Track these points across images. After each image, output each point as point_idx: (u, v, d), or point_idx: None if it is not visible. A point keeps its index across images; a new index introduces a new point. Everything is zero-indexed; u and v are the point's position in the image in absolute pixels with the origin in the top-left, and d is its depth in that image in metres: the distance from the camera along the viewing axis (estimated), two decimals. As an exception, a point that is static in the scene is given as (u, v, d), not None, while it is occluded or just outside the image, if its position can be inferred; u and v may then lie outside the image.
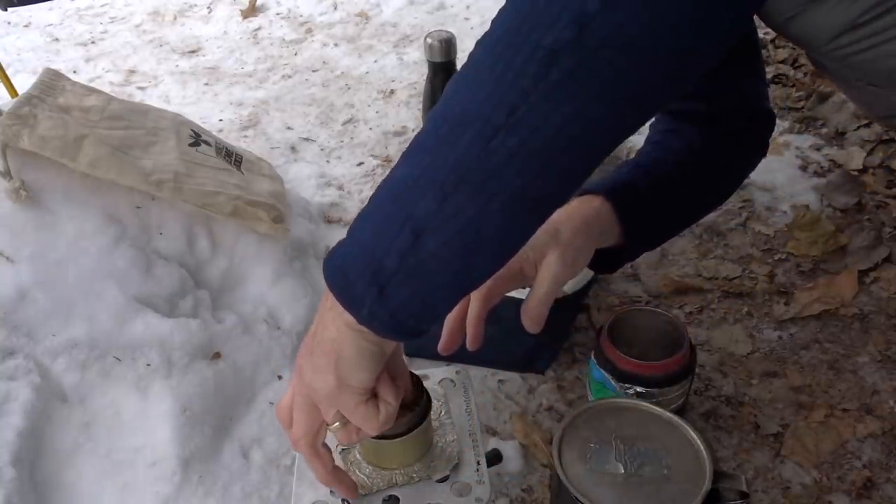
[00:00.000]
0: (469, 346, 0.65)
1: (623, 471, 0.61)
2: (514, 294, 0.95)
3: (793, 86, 1.48)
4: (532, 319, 0.64)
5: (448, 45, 1.10)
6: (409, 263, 0.45)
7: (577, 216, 0.69)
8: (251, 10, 2.12)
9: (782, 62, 1.53)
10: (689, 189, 0.80)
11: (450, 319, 0.66)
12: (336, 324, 0.50)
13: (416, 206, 0.44)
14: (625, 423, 0.65)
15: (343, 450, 0.77)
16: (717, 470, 0.60)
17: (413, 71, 1.73)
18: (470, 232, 0.44)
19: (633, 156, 0.85)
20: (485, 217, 0.43)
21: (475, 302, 0.66)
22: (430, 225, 0.44)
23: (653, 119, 0.84)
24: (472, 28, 1.89)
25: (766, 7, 0.64)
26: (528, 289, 0.98)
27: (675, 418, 0.65)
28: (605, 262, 0.76)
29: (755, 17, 0.70)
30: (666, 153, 0.78)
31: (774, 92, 1.47)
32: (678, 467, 0.61)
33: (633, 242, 0.74)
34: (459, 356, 0.98)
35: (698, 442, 0.63)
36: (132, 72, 1.90)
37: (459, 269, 0.46)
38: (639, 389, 0.78)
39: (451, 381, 0.84)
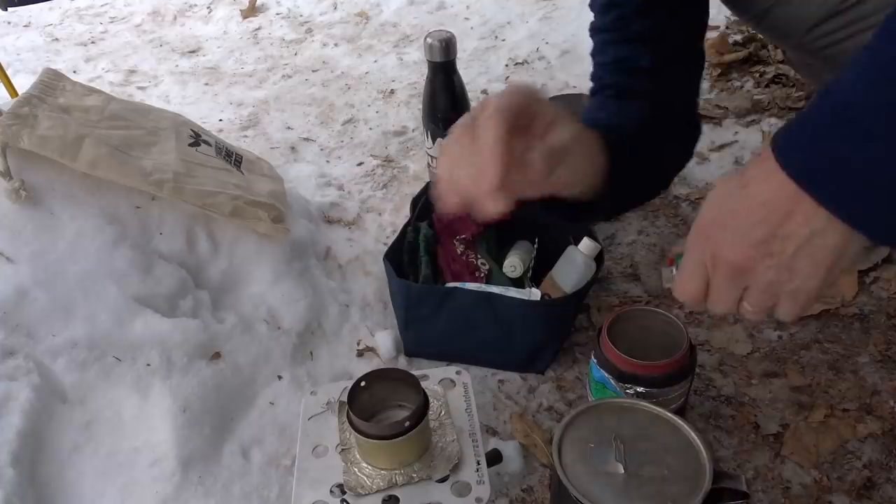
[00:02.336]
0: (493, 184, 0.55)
1: (623, 471, 0.61)
2: (516, 295, 0.95)
3: (793, 86, 1.48)
4: (543, 156, 0.59)
5: (448, 45, 1.10)
6: None
7: (575, 126, 0.66)
8: (251, 10, 2.12)
9: (782, 62, 1.53)
10: (647, 161, 0.76)
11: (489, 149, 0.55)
12: (835, 234, 0.48)
13: None
14: (625, 423, 0.65)
15: (343, 449, 0.77)
16: (717, 470, 0.60)
17: (413, 71, 1.73)
18: None
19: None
20: None
21: (487, 121, 0.56)
22: None
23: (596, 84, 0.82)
24: (472, 28, 1.89)
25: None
26: (532, 289, 0.98)
27: (676, 418, 0.65)
28: (575, 212, 0.72)
29: (734, 14, 0.71)
30: (623, 120, 0.76)
31: (774, 92, 1.47)
32: (678, 467, 0.61)
33: (610, 191, 0.70)
34: (459, 356, 0.98)
35: (698, 442, 0.63)
36: (132, 72, 1.90)
37: None
38: (639, 389, 0.78)
39: (451, 381, 0.84)
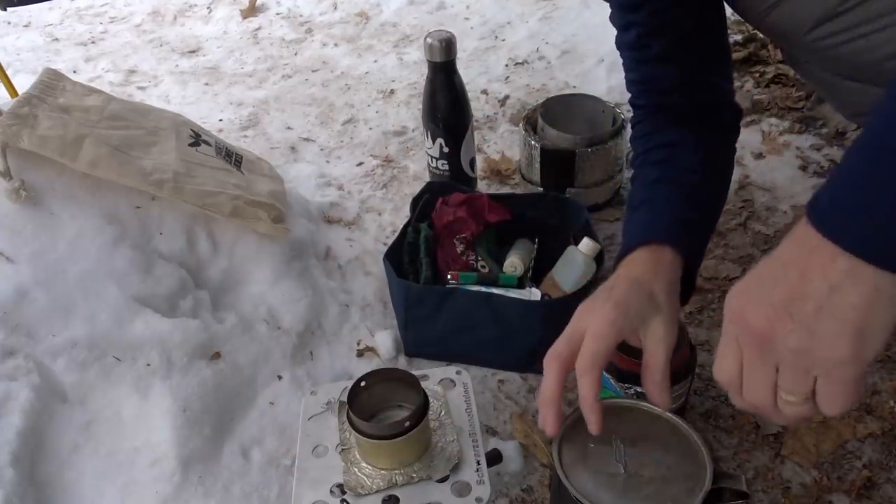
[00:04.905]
0: (595, 430, 0.61)
1: (623, 471, 0.61)
2: (516, 295, 0.95)
3: (793, 86, 1.48)
4: (661, 394, 0.62)
5: (448, 45, 1.10)
6: None
7: (663, 272, 0.68)
8: (251, 10, 2.12)
9: (782, 62, 1.53)
10: (716, 197, 0.82)
11: (547, 397, 0.62)
12: (857, 288, 0.43)
13: None
14: (625, 423, 0.65)
15: (343, 449, 0.77)
16: (717, 470, 0.60)
17: (413, 71, 1.73)
18: None
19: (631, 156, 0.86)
20: None
21: (585, 378, 0.61)
22: None
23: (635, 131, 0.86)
24: (472, 28, 1.89)
25: None
26: (532, 289, 0.98)
27: (675, 418, 0.65)
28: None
29: (736, 13, 0.71)
30: (683, 171, 0.79)
31: (774, 92, 1.47)
32: (678, 467, 0.61)
33: (691, 274, 0.75)
34: (459, 356, 0.98)
35: (698, 442, 0.63)
36: (132, 72, 1.90)
37: None
38: (639, 389, 0.78)
39: (451, 381, 0.84)
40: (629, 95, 0.87)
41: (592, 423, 0.60)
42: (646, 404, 0.67)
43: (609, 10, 0.83)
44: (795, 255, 0.46)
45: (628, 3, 0.78)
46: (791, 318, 0.46)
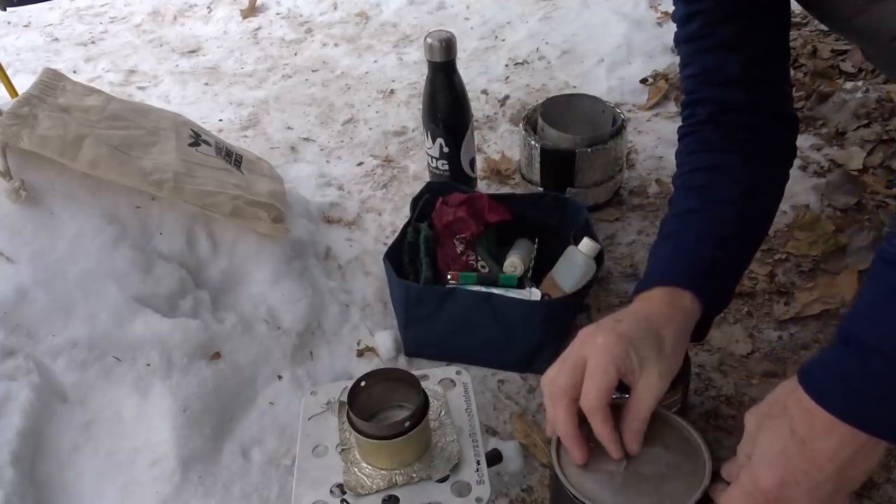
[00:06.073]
0: (618, 455, 0.62)
1: (622, 469, 0.61)
2: (516, 295, 0.95)
3: (793, 86, 1.48)
4: (633, 434, 0.62)
5: (448, 45, 1.10)
6: None
7: (678, 319, 0.67)
8: (251, 10, 2.12)
9: (782, 62, 1.53)
10: (754, 234, 0.79)
11: (568, 433, 0.62)
12: (860, 451, 0.52)
13: None
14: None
15: (343, 449, 0.77)
16: (715, 468, 0.61)
17: (413, 71, 1.73)
18: None
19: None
20: None
21: (596, 417, 0.61)
22: None
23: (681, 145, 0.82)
24: (472, 28, 1.89)
25: (836, 1, 0.64)
26: (532, 289, 0.98)
27: (674, 417, 0.65)
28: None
29: (815, 18, 0.70)
30: (723, 202, 0.75)
31: (774, 92, 1.47)
32: (678, 466, 0.61)
33: (710, 318, 0.75)
34: (459, 356, 0.98)
35: (697, 439, 0.63)
36: (132, 72, 1.90)
37: None
38: (626, 396, 0.77)
39: (451, 381, 0.84)
40: (684, 96, 0.82)
41: (615, 452, 0.61)
42: None
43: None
44: (837, 446, 0.53)
45: None
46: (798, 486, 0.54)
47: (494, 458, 0.77)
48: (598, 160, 1.17)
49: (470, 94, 1.19)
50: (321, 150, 1.50)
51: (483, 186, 1.32)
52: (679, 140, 0.82)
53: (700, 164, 0.78)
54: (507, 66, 1.71)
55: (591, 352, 0.62)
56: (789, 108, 0.81)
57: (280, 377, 0.97)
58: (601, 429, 0.61)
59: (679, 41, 0.80)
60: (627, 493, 0.59)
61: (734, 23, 0.74)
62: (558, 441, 0.63)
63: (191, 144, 1.11)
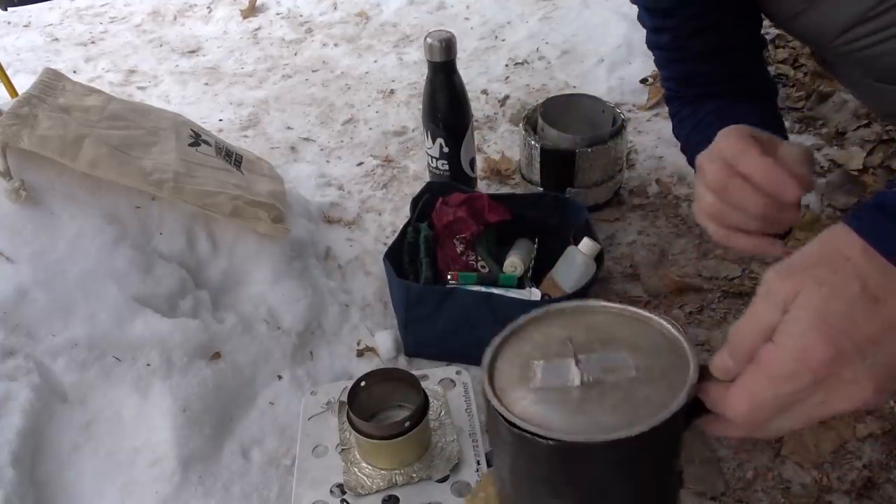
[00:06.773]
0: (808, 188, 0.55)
1: (579, 382, 0.47)
2: (516, 295, 0.96)
3: (793, 86, 1.48)
4: (805, 176, 0.54)
5: (448, 45, 1.10)
6: None
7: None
8: (251, 10, 2.12)
9: (782, 62, 1.53)
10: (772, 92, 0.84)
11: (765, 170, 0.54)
12: None
13: None
14: (578, 330, 0.52)
15: (343, 449, 0.77)
16: (703, 364, 0.47)
17: (413, 71, 1.73)
18: None
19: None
20: None
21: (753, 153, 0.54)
22: None
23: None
24: (472, 28, 1.89)
25: (776, 3, 0.64)
26: (532, 289, 0.98)
27: (643, 312, 0.51)
28: None
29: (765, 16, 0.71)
30: (733, 98, 0.79)
31: (774, 92, 1.47)
32: (652, 367, 0.47)
33: None
34: (459, 356, 0.98)
35: (675, 333, 0.49)
36: (132, 72, 1.90)
37: None
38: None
39: (451, 381, 0.85)
40: (666, 93, 0.85)
41: (791, 193, 0.53)
42: (601, 303, 0.54)
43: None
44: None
45: (658, 8, 0.77)
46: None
47: (494, 458, 0.77)
48: (598, 160, 1.17)
49: (470, 94, 1.19)
50: (321, 150, 1.50)
51: (483, 186, 1.32)
52: (673, 118, 0.85)
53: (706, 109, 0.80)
54: (507, 66, 1.71)
55: (720, 144, 0.56)
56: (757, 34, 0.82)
57: (280, 377, 0.97)
58: (766, 166, 0.52)
59: (651, 46, 0.83)
60: (587, 409, 0.45)
61: (702, 37, 0.76)
62: (491, 362, 0.51)
63: (191, 144, 1.11)
